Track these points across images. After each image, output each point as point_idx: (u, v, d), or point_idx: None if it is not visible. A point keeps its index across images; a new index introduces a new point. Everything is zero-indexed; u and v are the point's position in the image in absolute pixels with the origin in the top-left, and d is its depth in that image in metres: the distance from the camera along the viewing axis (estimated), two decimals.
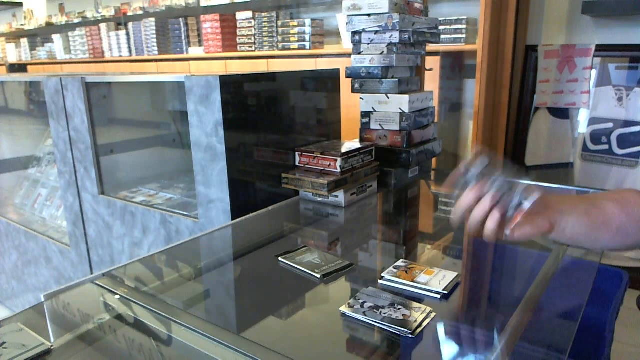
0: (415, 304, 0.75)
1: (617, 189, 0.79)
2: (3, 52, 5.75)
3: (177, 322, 0.74)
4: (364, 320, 0.72)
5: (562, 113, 2.12)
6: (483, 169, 0.65)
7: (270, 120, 1.36)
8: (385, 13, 1.37)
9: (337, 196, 1.30)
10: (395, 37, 1.38)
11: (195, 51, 3.81)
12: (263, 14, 3.35)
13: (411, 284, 0.82)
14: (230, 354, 0.66)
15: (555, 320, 0.80)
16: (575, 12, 2.08)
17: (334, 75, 1.58)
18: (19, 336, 0.70)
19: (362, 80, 1.48)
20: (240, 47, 3.52)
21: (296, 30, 3.18)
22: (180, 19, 3.88)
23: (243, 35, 3.49)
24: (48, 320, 0.78)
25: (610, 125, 1.99)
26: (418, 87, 1.56)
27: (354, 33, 1.45)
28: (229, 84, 1.22)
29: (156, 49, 4.04)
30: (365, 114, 1.51)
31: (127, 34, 4.27)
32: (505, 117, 2.17)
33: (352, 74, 1.49)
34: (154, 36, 4.03)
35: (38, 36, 5.41)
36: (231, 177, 1.26)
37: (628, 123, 1.95)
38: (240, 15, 3.48)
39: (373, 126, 1.50)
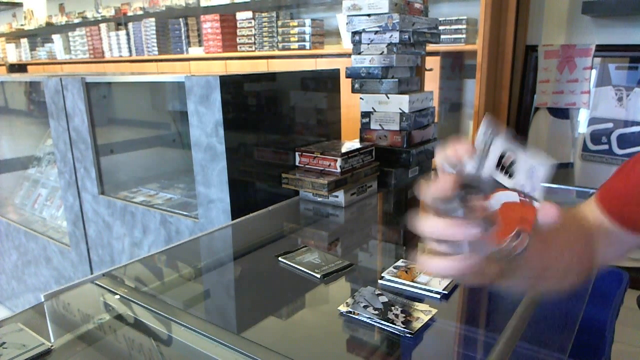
0: (414, 304, 0.75)
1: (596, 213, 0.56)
2: (3, 52, 5.75)
3: (177, 322, 0.74)
4: (363, 319, 0.72)
5: (562, 113, 2.12)
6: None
7: (270, 120, 1.36)
8: (385, 13, 1.37)
9: (337, 196, 1.30)
10: (395, 37, 1.38)
11: (195, 51, 3.81)
12: (263, 14, 3.35)
13: (411, 284, 0.82)
14: (230, 354, 0.66)
15: (555, 320, 0.80)
16: (575, 12, 2.08)
17: (334, 75, 1.58)
18: (19, 336, 0.70)
19: (362, 80, 1.48)
20: (240, 47, 3.52)
21: (296, 30, 3.17)
22: (180, 19, 3.88)
23: (243, 35, 3.48)
24: (48, 320, 0.78)
25: (610, 125, 1.99)
26: (418, 87, 1.56)
27: (354, 33, 1.45)
28: (229, 84, 1.22)
29: (156, 49, 4.04)
30: (365, 114, 1.51)
31: (127, 34, 4.27)
32: (505, 117, 2.17)
33: (352, 74, 1.49)
34: (154, 36, 4.02)
35: (38, 36, 5.41)
36: (231, 177, 1.26)
37: (628, 123, 1.94)
38: (240, 15, 3.48)
39: (373, 126, 1.50)
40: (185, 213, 1.49)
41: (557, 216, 0.38)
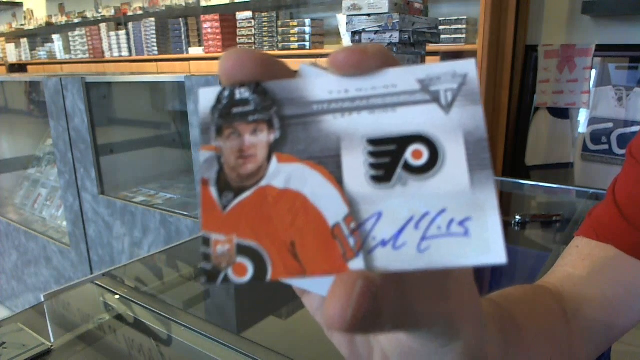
0: None
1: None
2: (3, 52, 5.75)
3: (177, 322, 0.74)
4: None
5: (562, 113, 2.12)
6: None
7: None
8: (385, 13, 1.37)
9: None
10: (395, 37, 1.38)
11: (195, 51, 3.81)
12: (263, 14, 3.35)
13: None
14: (230, 354, 0.66)
15: None
16: (575, 12, 2.07)
17: None
18: (19, 336, 0.70)
19: None
20: (240, 47, 3.52)
21: (296, 30, 3.17)
22: (180, 19, 3.88)
23: (243, 35, 3.49)
24: (48, 320, 0.78)
25: (610, 125, 1.99)
26: None
27: (354, 33, 1.45)
28: None
29: (156, 49, 4.04)
30: None
31: (127, 34, 4.27)
32: (505, 117, 2.17)
33: None
34: (154, 36, 4.02)
35: (38, 36, 5.41)
36: None
37: (628, 123, 1.95)
38: (240, 15, 3.48)
39: None
40: (185, 213, 1.49)
41: None
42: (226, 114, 0.17)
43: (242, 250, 0.16)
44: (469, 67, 0.16)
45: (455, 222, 0.16)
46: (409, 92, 0.16)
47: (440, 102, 0.16)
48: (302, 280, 0.21)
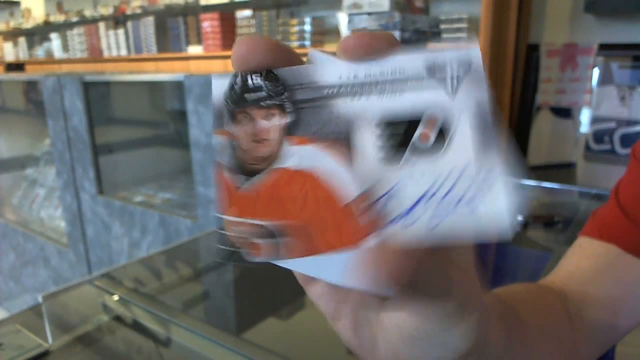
0: None
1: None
2: (0, 50, 5.74)
3: (176, 324, 0.73)
4: None
5: (564, 112, 2.11)
6: None
7: None
8: (386, 12, 1.36)
9: None
10: (396, 35, 1.37)
11: (194, 50, 3.80)
12: (263, 13, 3.34)
13: None
14: (230, 355, 0.65)
15: None
16: (578, 10, 2.06)
17: None
18: (17, 337, 0.69)
19: None
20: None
21: (296, 28, 3.17)
22: (180, 18, 3.87)
23: (243, 34, 3.48)
24: (46, 321, 0.77)
25: (613, 124, 1.98)
26: None
27: None
28: None
29: (155, 47, 4.03)
30: None
31: (126, 33, 4.26)
32: (507, 116, 2.16)
33: None
34: (153, 35, 4.02)
35: (36, 35, 5.40)
36: None
37: (631, 122, 1.94)
38: (240, 14, 3.47)
39: None
40: (184, 213, 1.48)
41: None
42: (239, 99, 0.18)
43: (257, 230, 0.17)
44: (474, 53, 0.17)
45: (463, 201, 0.16)
46: (416, 77, 0.17)
47: (446, 87, 0.17)
48: (311, 265, 0.22)
